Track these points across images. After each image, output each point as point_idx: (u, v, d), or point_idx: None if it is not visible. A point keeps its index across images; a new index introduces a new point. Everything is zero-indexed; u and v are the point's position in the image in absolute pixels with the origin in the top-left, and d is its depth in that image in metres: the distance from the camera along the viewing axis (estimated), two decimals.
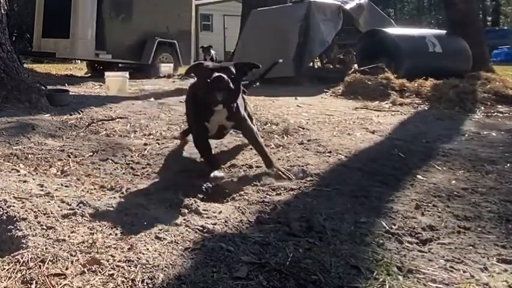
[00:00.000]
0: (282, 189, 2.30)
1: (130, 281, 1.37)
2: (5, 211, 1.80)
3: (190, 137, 2.97)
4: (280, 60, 3.17)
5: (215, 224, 1.82)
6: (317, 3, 8.51)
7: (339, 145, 3.11)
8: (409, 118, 4.59)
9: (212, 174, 2.43)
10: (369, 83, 6.23)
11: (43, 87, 4.58)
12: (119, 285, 1.36)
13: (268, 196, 2.21)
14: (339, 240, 1.71)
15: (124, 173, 2.60)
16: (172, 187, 2.31)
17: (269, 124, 3.84)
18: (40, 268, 1.43)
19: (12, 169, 2.51)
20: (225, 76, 2.37)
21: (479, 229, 1.88)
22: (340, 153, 2.93)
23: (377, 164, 2.70)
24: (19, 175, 2.42)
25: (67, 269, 1.43)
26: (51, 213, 1.83)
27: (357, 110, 5.00)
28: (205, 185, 2.32)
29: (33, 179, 2.33)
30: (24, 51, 12.32)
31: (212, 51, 13.75)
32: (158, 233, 1.68)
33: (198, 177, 2.48)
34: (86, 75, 11.60)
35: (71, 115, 4.07)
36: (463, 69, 7.10)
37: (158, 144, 3.24)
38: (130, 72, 7.21)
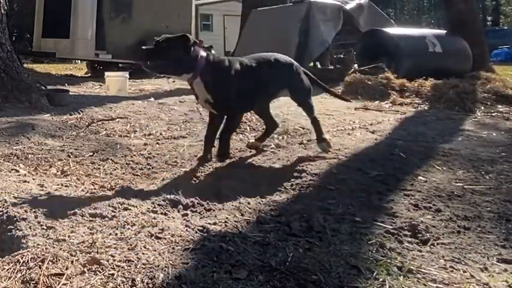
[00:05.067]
0: (283, 188, 2.30)
1: (130, 281, 1.37)
2: (5, 211, 1.80)
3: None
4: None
5: (215, 224, 1.82)
6: (317, 3, 8.51)
7: (339, 145, 3.11)
8: (409, 118, 4.59)
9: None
10: (369, 83, 6.23)
11: (43, 87, 4.58)
12: (119, 285, 1.36)
13: (268, 196, 2.21)
14: (339, 240, 1.71)
15: (124, 173, 2.60)
16: (172, 187, 2.31)
17: None
18: (40, 268, 1.43)
19: (12, 169, 2.51)
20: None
21: (479, 229, 1.88)
22: (340, 153, 2.92)
23: (377, 164, 2.69)
24: (19, 175, 2.42)
25: (67, 269, 1.43)
26: (51, 213, 1.83)
27: (357, 110, 5.00)
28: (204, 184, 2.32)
29: (33, 179, 2.33)
30: (24, 51, 12.31)
31: (212, 51, 13.73)
32: (159, 233, 1.68)
33: (198, 177, 2.49)
34: (86, 75, 11.61)
35: (71, 115, 4.07)
36: (463, 69, 7.09)
37: (158, 144, 3.24)
38: (130, 72, 7.21)
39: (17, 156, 2.75)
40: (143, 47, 2.54)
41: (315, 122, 3.01)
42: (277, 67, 2.85)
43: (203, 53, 2.62)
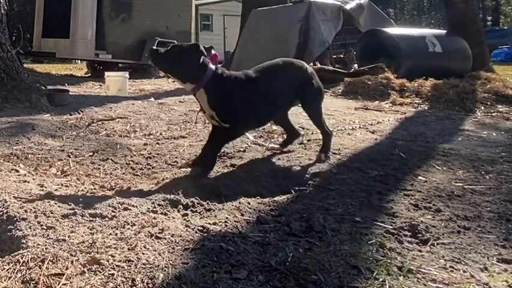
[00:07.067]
0: (283, 188, 2.30)
1: (130, 281, 1.37)
2: (5, 211, 1.79)
3: None
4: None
5: (215, 224, 1.82)
6: (317, 3, 8.51)
7: (339, 145, 3.11)
8: (409, 118, 4.59)
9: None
10: (369, 83, 6.23)
11: (43, 87, 4.58)
12: (119, 285, 1.36)
13: (268, 196, 2.21)
14: (339, 240, 1.71)
15: (124, 173, 2.60)
16: (172, 187, 2.31)
17: (269, 124, 3.83)
18: (40, 268, 1.42)
19: (12, 169, 2.51)
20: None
21: (479, 229, 1.88)
22: (340, 153, 2.93)
23: (377, 164, 2.70)
24: (19, 175, 2.41)
25: (67, 269, 1.43)
26: (51, 213, 1.83)
27: (357, 110, 5.00)
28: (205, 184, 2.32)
29: (33, 179, 2.33)
30: (24, 51, 12.31)
31: (213, 52, 13.79)
32: (159, 233, 1.68)
33: (198, 177, 2.48)
34: (86, 75, 11.61)
35: (71, 115, 4.07)
36: (463, 69, 7.10)
37: (158, 144, 3.24)
38: (130, 72, 7.21)
39: (17, 156, 2.75)
40: (155, 48, 2.55)
41: (326, 136, 2.88)
42: (288, 79, 2.74)
43: (212, 66, 2.54)
